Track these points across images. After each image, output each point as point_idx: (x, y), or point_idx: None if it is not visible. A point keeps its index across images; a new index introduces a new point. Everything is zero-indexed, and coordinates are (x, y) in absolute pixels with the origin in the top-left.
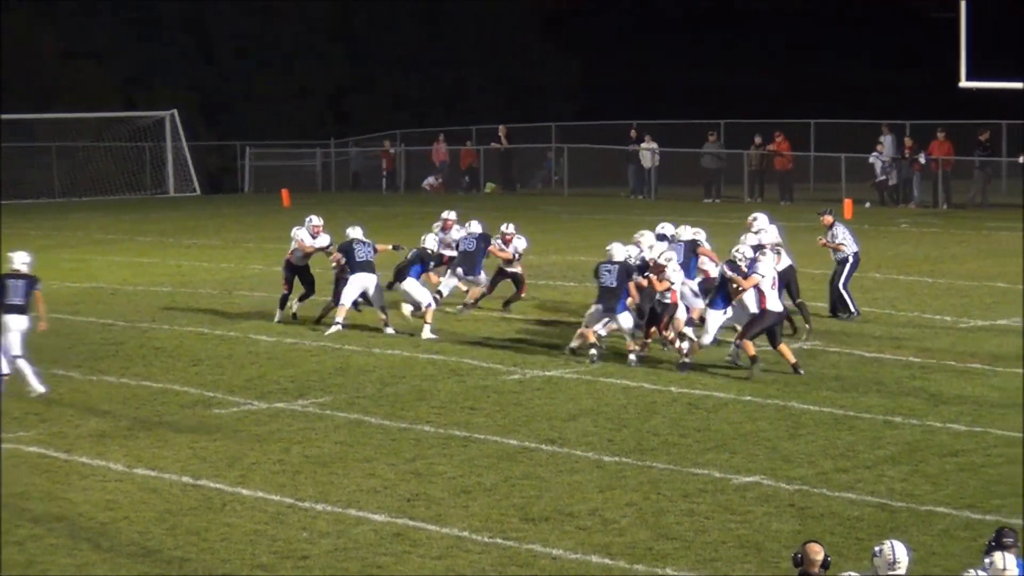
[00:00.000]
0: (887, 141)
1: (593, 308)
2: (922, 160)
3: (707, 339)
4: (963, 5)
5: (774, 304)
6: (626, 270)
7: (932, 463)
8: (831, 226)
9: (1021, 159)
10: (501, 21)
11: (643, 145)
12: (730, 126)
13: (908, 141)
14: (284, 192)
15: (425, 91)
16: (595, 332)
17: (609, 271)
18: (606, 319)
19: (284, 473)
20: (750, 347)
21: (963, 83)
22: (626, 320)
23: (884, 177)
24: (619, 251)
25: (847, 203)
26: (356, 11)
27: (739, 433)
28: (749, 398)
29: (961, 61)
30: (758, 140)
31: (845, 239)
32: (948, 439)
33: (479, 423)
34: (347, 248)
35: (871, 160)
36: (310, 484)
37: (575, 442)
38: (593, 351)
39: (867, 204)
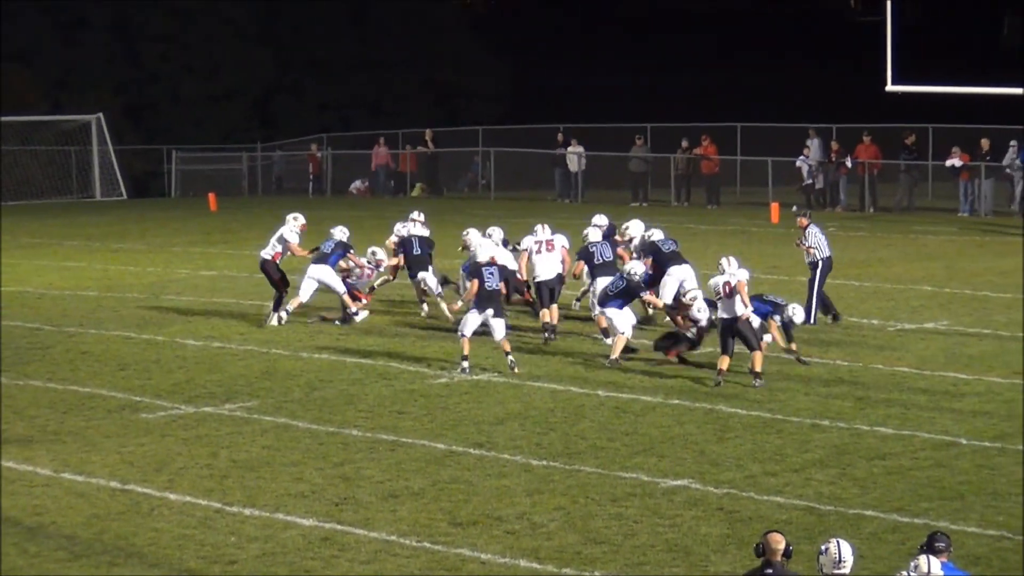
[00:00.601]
0: (814, 145)
1: (470, 313)
2: (849, 164)
3: (628, 332)
4: (889, 8)
5: (725, 311)
6: (504, 273)
7: (860, 466)
8: (805, 228)
9: (949, 162)
10: (428, 23)
11: (570, 149)
12: (657, 130)
13: (835, 145)
14: (211, 196)
15: (351, 94)
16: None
17: (492, 273)
18: (486, 319)
19: (212, 478)
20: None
21: (889, 87)
22: (499, 326)
23: (811, 181)
24: (490, 249)
25: (774, 207)
26: (281, 13)
27: (667, 437)
28: (677, 401)
29: (887, 65)
30: (685, 144)
31: (818, 243)
32: (876, 442)
33: (407, 427)
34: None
35: (798, 164)
36: (238, 488)
37: (503, 446)
38: (465, 363)
39: (794, 208)
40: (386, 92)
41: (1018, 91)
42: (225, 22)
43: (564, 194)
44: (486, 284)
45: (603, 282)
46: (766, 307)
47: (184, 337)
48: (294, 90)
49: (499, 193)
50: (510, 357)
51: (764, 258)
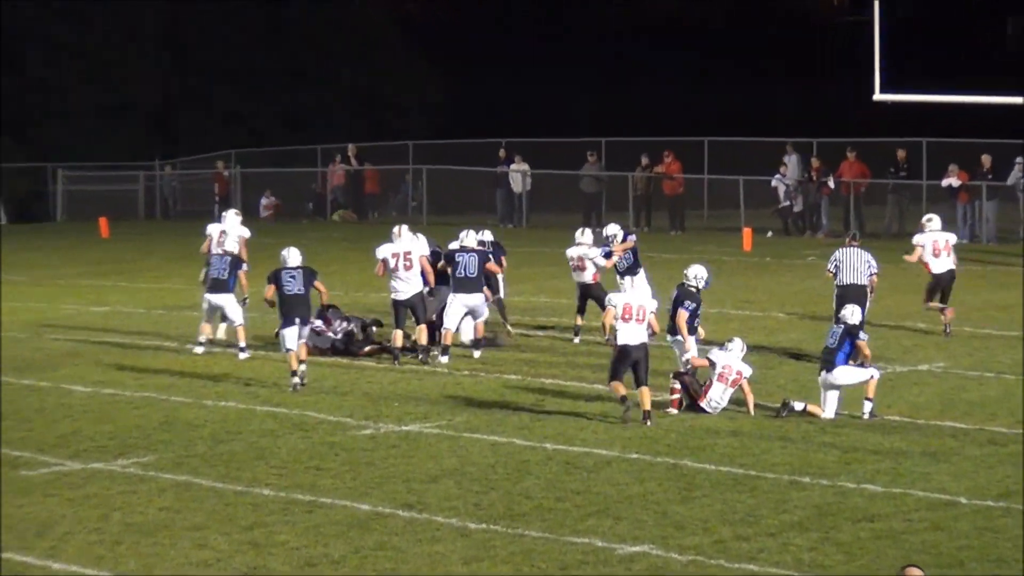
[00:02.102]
0: (791, 162)
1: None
2: (831, 183)
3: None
4: (876, 7)
5: (629, 336)
6: (311, 274)
7: (845, 529)
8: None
9: (945, 182)
10: (351, 26)
11: (513, 167)
12: (612, 145)
13: (815, 162)
14: (102, 221)
15: (263, 105)
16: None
17: (293, 277)
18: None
19: (102, 543)
20: (619, 388)
21: (877, 96)
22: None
23: (788, 203)
24: (295, 257)
25: (746, 233)
26: (184, 17)
27: (624, 496)
28: (636, 455)
29: (875, 71)
30: (644, 161)
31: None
32: (863, 502)
33: (326, 485)
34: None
35: (773, 183)
36: (132, 556)
37: (436, 507)
38: (296, 379)
39: (769, 233)
40: (303, 103)
41: (1022, 101)
42: (121, 24)
43: (507, 218)
44: (287, 289)
45: (461, 298)
46: (846, 340)
47: (71, 383)
48: (198, 101)
49: (433, 217)
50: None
51: (736, 290)
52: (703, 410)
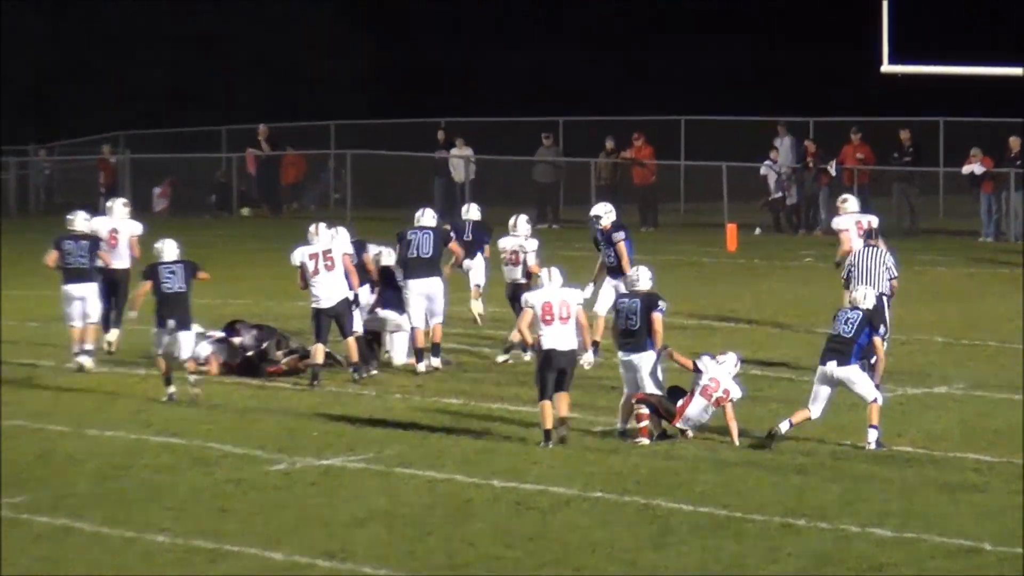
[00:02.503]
0: (784, 145)
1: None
2: (832, 170)
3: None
4: None
5: (553, 340)
6: (191, 267)
7: None
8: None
9: (966, 168)
10: None
11: (454, 151)
12: (572, 125)
13: (811, 145)
14: None
15: (157, 80)
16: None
17: (173, 272)
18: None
19: None
20: (546, 414)
21: (885, 67)
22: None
23: (780, 194)
24: (171, 249)
25: (730, 229)
26: None
27: (586, 543)
28: (599, 494)
29: (882, 38)
30: (610, 144)
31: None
32: (869, 548)
33: (232, 530)
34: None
35: (763, 171)
36: None
37: (363, 556)
38: (172, 388)
39: (757, 230)
40: (204, 77)
41: None
42: None
43: (446, 211)
44: (166, 287)
45: (415, 285)
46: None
47: None
48: (80, 76)
49: (359, 211)
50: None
51: (718, 299)
52: (680, 432)
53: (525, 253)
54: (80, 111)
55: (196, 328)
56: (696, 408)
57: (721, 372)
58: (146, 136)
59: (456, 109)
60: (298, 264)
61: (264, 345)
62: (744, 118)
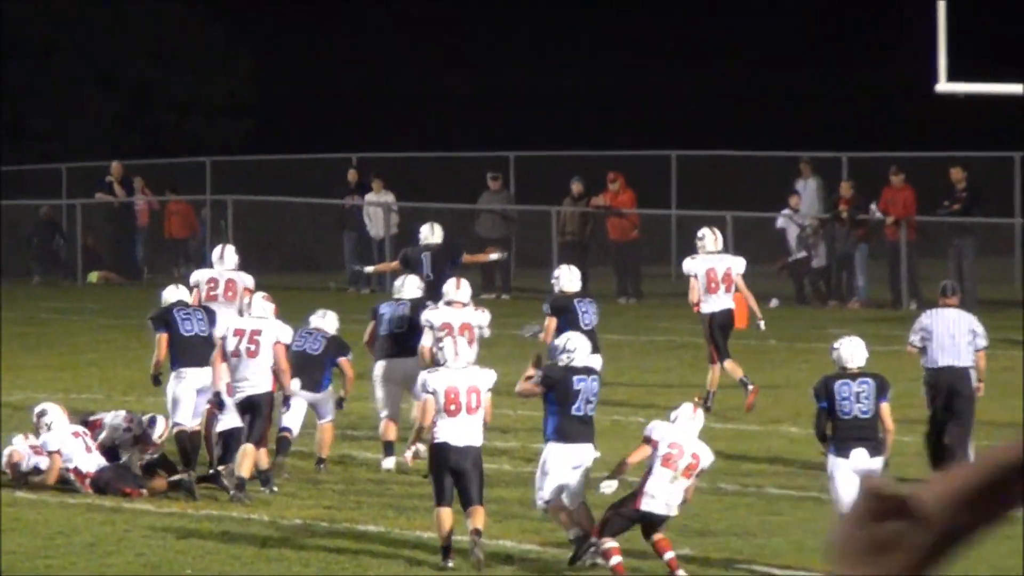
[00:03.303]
0: (808, 189)
1: None
2: (877, 212)
3: None
4: None
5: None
6: None
7: None
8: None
9: None
10: None
11: (370, 197)
12: (525, 162)
13: (846, 187)
14: None
15: None
16: None
17: None
18: None
19: None
20: (444, 520)
21: (941, 86)
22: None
23: (804, 253)
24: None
25: (737, 302)
26: None
27: None
28: None
29: (938, 52)
30: (577, 187)
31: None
32: None
33: None
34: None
35: (780, 223)
36: None
37: None
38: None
39: (773, 302)
40: (38, 101)
41: None
42: None
43: (357, 278)
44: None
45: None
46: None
47: None
48: None
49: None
50: None
51: (720, 394)
52: (647, 516)
53: (480, 328)
54: None
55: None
56: (659, 482)
57: (680, 432)
58: None
59: (370, 141)
60: (219, 337)
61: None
62: (755, 153)
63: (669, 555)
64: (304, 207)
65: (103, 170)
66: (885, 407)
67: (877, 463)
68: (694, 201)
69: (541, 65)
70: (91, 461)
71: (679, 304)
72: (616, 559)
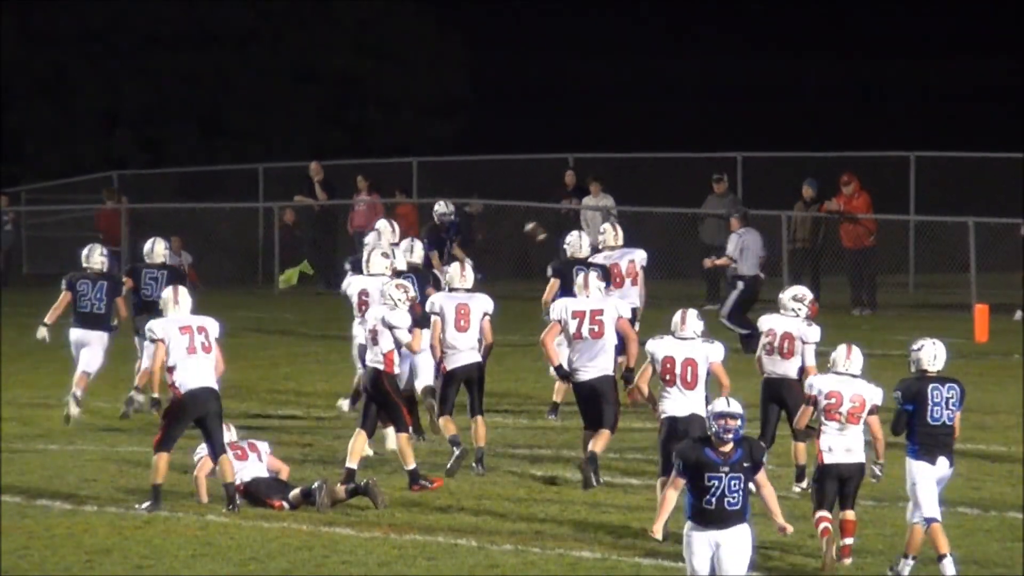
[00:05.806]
0: None
1: None
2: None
3: None
4: None
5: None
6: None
7: None
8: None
9: None
10: None
11: (587, 201)
12: (753, 163)
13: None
14: None
15: None
16: None
17: None
18: None
19: None
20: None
21: None
22: None
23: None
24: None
25: (979, 312)
26: None
27: None
28: None
29: None
30: (809, 191)
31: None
32: None
33: None
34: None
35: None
36: None
37: None
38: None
39: (1018, 314)
40: (234, 95)
41: None
42: None
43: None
44: None
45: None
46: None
47: None
48: None
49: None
50: None
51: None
52: (833, 469)
53: (805, 344)
54: None
55: None
56: (831, 434)
57: (833, 381)
58: None
59: (590, 142)
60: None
61: None
62: (1000, 155)
63: (848, 540)
64: (516, 211)
65: (302, 171)
66: (958, 416)
67: (950, 472)
68: (934, 204)
69: (775, 58)
70: (246, 471)
71: (916, 315)
72: (824, 525)
